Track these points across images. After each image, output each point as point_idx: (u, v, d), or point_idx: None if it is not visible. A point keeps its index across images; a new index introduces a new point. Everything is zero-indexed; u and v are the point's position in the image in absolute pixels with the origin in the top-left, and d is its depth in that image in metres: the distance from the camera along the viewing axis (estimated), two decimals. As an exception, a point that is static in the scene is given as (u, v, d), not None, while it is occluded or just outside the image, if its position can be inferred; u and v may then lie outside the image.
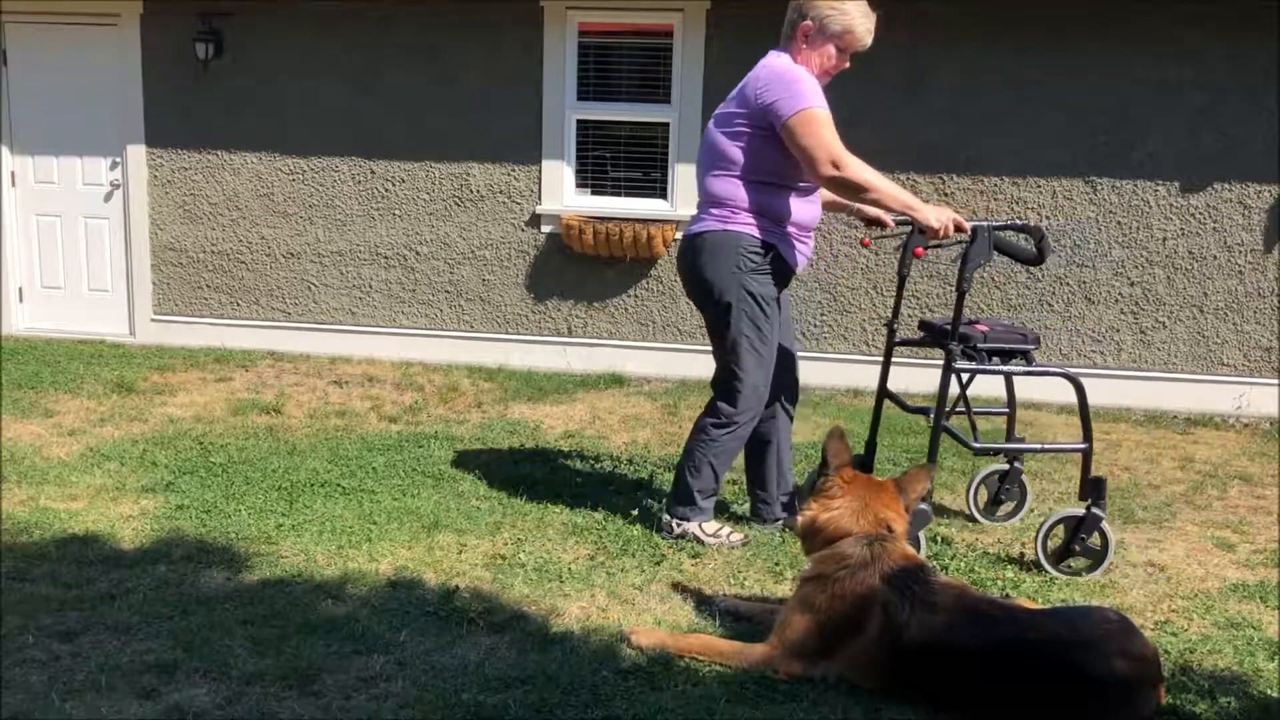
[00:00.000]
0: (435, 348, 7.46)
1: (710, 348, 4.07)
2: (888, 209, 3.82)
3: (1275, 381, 6.61)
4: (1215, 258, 6.62)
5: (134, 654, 2.97)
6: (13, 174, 7.91)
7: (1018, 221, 3.97)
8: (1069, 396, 6.64)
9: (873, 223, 4.02)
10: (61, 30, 7.69)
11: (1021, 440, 4.32)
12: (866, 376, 6.94)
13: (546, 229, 7.26)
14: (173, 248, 7.80)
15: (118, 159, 7.76)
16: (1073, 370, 4.23)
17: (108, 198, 7.84)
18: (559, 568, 3.69)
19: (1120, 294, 6.75)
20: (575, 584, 3.57)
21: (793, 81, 3.71)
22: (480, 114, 7.24)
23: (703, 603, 3.43)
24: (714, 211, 3.89)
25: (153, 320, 7.88)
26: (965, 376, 4.16)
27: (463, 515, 4.22)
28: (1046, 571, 3.80)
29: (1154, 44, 6.49)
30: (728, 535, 3.98)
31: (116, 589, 3.40)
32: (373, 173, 7.46)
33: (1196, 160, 6.55)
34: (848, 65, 3.92)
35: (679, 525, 3.98)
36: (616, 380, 6.92)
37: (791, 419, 4.23)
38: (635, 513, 4.28)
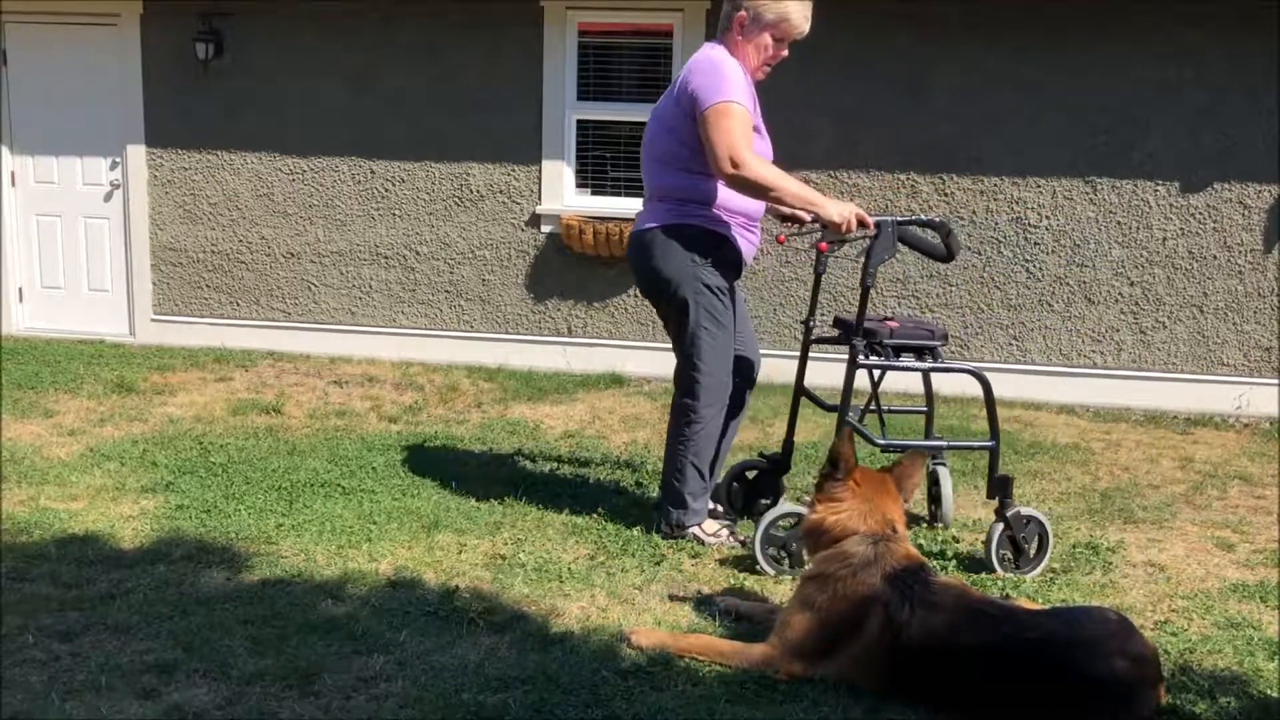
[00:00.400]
0: (435, 348, 7.46)
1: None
2: (792, 206, 3.77)
3: (1275, 381, 6.60)
4: (1215, 258, 6.62)
5: (134, 654, 2.96)
6: (13, 174, 7.91)
7: (922, 217, 3.96)
8: (1066, 396, 6.68)
9: (788, 219, 3.97)
10: (61, 30, 7.69)
11: (940, 438, 4.30)
12: (865, 377, 6.93)
13: (546, 229, 7.26)
14: (173, 248, 7.80)
15: (118, 159, 7.76)
16: (980, 366, 4.23)
17: (108, 198, 7.84)
18: (559, 568, 3.69)
19: (1120, 294, 6.75)
20: (575, 584, 3.56)
21: (715, 72, 3.68)
22: (480, 114, 7.24)
23: (703, 603, 3.43)
24: (661, 205, 3.88)
25: (153, 320, 7.88)
26: (876, 373, 4.12)
27: (463, 515, 4.22)
28: (1049, 572, 3.81)
29: (1154, 44, 6.49)
30: (727, 536, 3.98)
31: (116, 589, 3.40)
32: (373, 173, 7.47)
33: (1196, 160, 6.55)
34: (786, 54, 3.89)
35: (677, 530, 3.99)
36: (616, 380, 6.92)
37: (744, 408, 4.22)
38: (635, 513, 4.28)
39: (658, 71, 7.11)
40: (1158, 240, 6.67)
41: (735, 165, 3.62)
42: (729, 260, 3.89)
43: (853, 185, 6.93)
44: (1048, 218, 6.76)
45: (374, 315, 7.59)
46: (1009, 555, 3.80)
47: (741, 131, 3.64)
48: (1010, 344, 6.88)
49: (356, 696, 2.78)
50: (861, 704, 2.78)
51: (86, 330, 7.92)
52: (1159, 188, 6.63)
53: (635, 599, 3.47)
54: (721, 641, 3.07)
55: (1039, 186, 6.74)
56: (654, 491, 4.61)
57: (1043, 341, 6.85)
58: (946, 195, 6.83)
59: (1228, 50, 6.41)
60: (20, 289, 8.04)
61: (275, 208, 7.62)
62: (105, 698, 2.73)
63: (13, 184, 7.92)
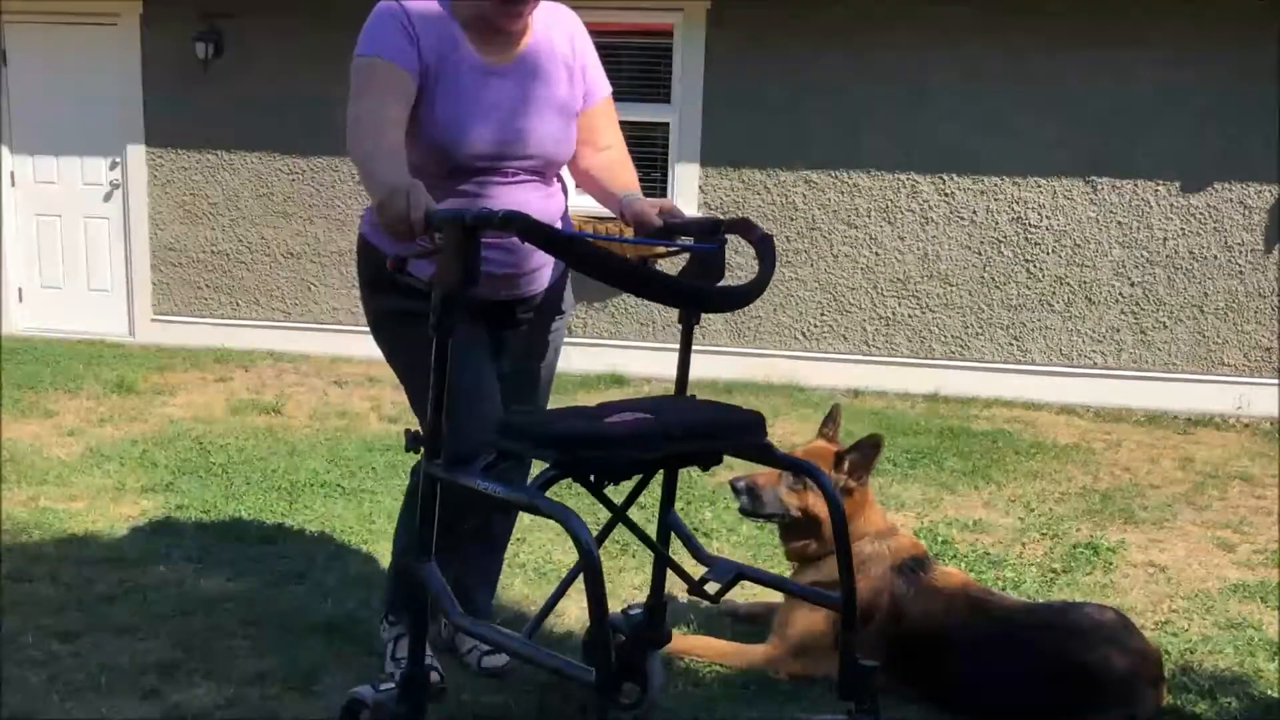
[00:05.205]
0: (435, 348, 7.44)
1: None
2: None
3: (1275, 381, 6.60)
4: (1215, 258, 6.62)
5: (134, 654, 2.96)
6: (13, 174, 7.91)
7: None
8: (1067, 396, 6.68)
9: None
10: (61, 30, 7.69)
11: None
12: (866, 376, 6.94)
13: (546, 229, 7.25)
14: (173, 248, 7.79)
15: (118, 159, 7.76)
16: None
17: (108, 198, 7.84)
18: (559, 568, 3.69)
19: (1121, 294, 6.75)
20: (575, 584, 3.56)
21: (366, 26, 2.79)
22: (480, 114, 7.23)
23: (703, 603, 3.42)
24: None
25: (153, 320, 7.88)
26: None
27: (463, 515, 4.22)
28: (1049, 571, 3.80)
29: (1154, 44, 6.49)
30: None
31: (116, 589, 3.39)
32: (373, 173, 7.45)
33: (1196, 160, 6.55)
34: (518, 5, 2.63)
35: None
36: (616, 380, 6.91)
37: None
38: (635, 514, 4.27)
39: (658, 71, 7.11)
40: (1158, 240, 6.67)
41: None
42: None
43: (853, 185, 6.92)
44: (1048, 218, 6.75)
45: (374, 315, 7.58)
46: None
47: (364, 87, 2.70)
48: (1010, 344, 6.88)
49: (357, 697, 2.77)
50: (862, 704, 2.78)
51: (86, 330, 7.92)
52: (1159, 188, 6.63)
53: (635, 599, 3.46)
54: (722, 642, 3.07)
55: (1039, 186, 6.74)
56: (655, 491, 4.60)
57: (1043, 341, 6.85)
58: (946, 195, 6.83)
59: (1228, 50, 6.41)
60: (20, 289, 8.03)
61: (275, 208, 7.62)
62: (105, 698, 2.72)
63: (13, 184, 7.92)
